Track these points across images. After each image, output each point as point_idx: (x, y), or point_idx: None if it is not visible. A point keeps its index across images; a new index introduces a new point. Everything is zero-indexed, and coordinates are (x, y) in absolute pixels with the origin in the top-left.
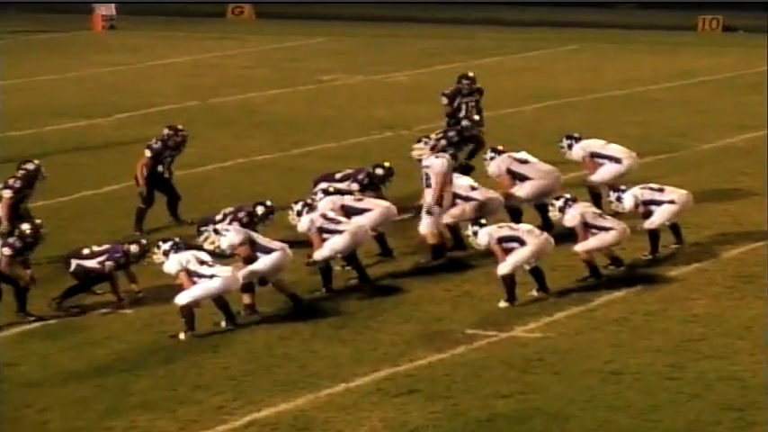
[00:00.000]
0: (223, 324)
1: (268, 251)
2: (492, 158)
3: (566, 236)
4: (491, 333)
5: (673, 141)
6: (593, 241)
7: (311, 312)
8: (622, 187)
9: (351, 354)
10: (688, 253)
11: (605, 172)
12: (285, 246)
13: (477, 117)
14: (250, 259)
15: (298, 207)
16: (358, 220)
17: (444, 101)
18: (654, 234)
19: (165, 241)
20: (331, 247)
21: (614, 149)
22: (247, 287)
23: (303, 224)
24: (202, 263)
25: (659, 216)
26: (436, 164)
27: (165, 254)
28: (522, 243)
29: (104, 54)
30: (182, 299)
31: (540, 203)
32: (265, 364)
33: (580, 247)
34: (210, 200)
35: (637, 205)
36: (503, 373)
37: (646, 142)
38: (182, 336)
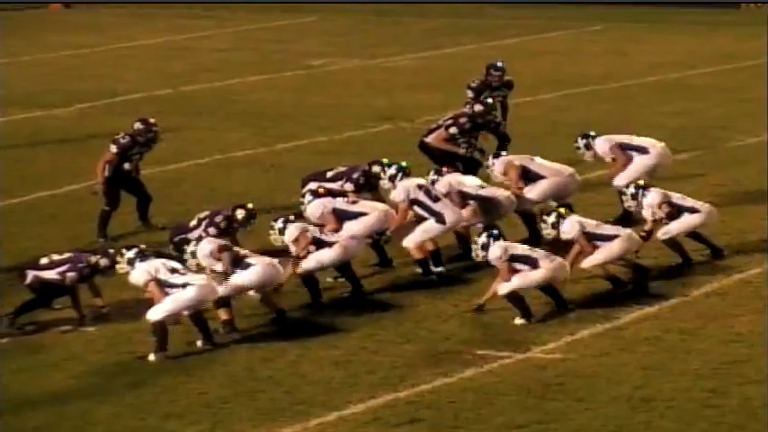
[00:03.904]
0: (199, 344)
1: (245, 266)
2: (494, 164)
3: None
4: (504, 354)
5: (712, 134)
6: (599, 255)
7: (299, 330)
8: (641, 182)
9: (344, 378)
10: (729, 262)
11: (633, 170)
12: (274, 260)
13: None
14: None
15: (279, 224)
16: (352, 228)
17: (470, 94)
18: (672, 243)
19: (128, 248)
20: (317, 259)
21: (641, 140)
22: (223, 302)
23: (290, 236)
24: (173, 271)
25: (677, 225)
26: (394, 195)
27: (130, 262)
28: (534, 267)
29: (62, 35)
30: (154, 314)
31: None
32: (247, 390)
33: (587, 263)
34: (183, 201)
35: (661, 204)
36: (518, 400)
37: (681, 135)
38: (152, 357)
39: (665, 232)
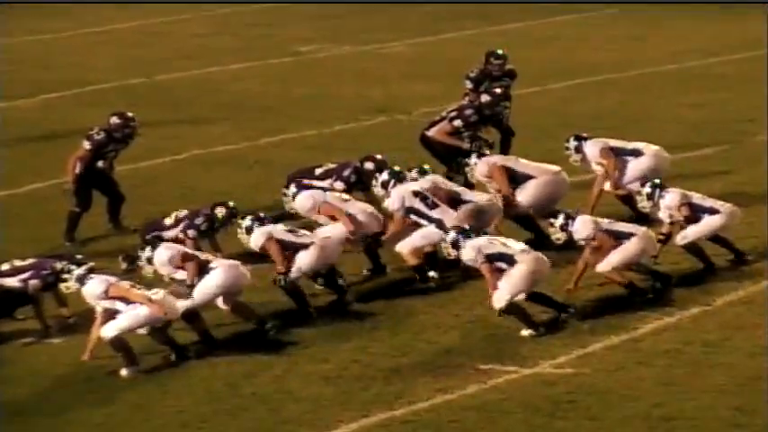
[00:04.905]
0: (174, 357)
1: (206, 271)
2: (476, 164)
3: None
4: (510, 368)
5: (738, 128)
6: (615, 257)
7: (285, 342)
8: (657, 180)
9: (335, 394)
10: (756, 268)
11: (631, 174)
12: (236, 262)
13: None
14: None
15: (246, 222)
16: (333, 229)
17: (468, 85)
18: (693, 247)
19: (78, 265)
20: (296, 267)
21: (634, 144)
22: (191, 315)
23: (256, 243)
24: (130, 286)
25: (696, 230)
26: (388, 203)
27: (80, 280)
28: (511, 263)
29: (27, 19)
30: (108, 331)
31: (550, 212)
32: (228, 408)
33: (602, 266)
34: (160, 201)
35: (681, 205)
36: (525, 419)
37: (704, 129)
38: (123, 372)
39: (683, 237)
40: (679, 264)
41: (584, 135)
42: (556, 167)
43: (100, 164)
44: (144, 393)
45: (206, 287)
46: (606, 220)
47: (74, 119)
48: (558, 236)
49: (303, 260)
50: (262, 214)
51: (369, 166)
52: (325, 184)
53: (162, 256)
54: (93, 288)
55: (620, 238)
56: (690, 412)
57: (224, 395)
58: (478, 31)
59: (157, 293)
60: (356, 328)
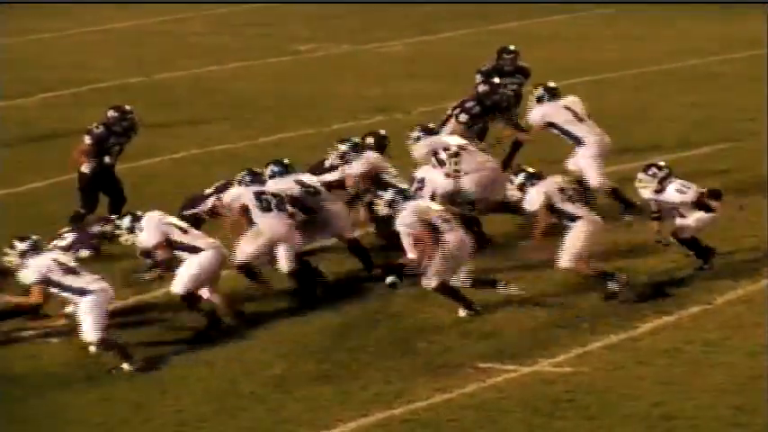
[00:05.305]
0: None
1: (194, 250)
2: (418, 138)
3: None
4: (509, 367)
5: (738, 127)
6: (570, 251)
7: (284, 341)
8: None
9: (334, 393)
10: (756, 267)
11: (593, 167)
12: (218, 244)
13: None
14: (169, 263)
15: (241, 175)
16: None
17: (478, 79)
18: (691, 242)
19: (21, 240)
20: (241, 251)
21: (578, 129)
22: (190, 299)
23: (235, 194)
24: (68, 270)
25: (692, 222)
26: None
27: (23, 255)
28: (438, 233)
29: (25, 19)
30: (89, 335)
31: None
32: (227, 407)
33: (563, 264)
34: (157, 200)
35: (701, 195)
36: (524, 418)
37: (704, 127)
38: (125, 366)
39: (683, 229)
40: (678, 263)
41: (552, 85)
42: (491, 161)
43: (107, 159)
44: (143, 393)
45: (190, 268)
46: (568, 193)
47: (73, 118)
48: (512, 193)
49: (243, 248)
50: (259, 171)
51: (369, 141)
52: (338, 175)
53: (145, 242)
54: (27, 276)
55: (564, 219)
56: (689, 411)
57: (223, 394)
58: (478, 31)
59: (99, 279)
60: (355, 328)
